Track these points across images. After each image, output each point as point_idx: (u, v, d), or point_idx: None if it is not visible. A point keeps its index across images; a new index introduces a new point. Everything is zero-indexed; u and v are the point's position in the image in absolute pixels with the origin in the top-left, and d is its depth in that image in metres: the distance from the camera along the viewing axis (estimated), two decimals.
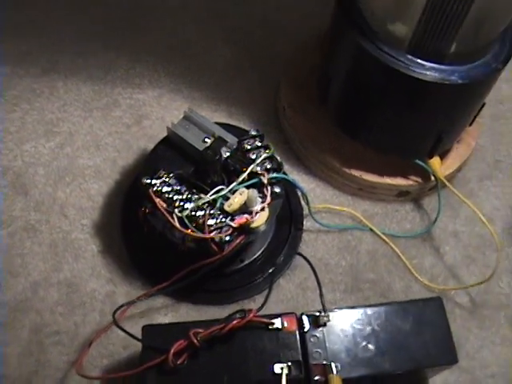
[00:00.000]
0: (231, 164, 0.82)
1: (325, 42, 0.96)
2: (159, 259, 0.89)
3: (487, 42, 0.83)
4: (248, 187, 0.80)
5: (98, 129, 1.05)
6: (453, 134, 0.95)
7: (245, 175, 0.81)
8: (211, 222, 0.78)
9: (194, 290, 0.88)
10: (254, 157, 0.83)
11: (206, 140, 0.84)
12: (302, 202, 0.95)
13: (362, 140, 0.96)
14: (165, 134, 0.87)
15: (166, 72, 1.13)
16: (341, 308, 0.77)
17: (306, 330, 0.74)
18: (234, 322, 0.71)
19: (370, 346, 0.74)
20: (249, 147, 0.84)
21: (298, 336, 0.74)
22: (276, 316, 0.75)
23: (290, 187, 0.93)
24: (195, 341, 0.70)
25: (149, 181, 0.81)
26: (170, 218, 0.78)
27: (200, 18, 1.22)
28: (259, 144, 0.85)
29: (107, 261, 0.91)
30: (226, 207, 0.78)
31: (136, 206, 0.82)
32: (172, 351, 0.69)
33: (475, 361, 0.88)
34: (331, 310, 0.76)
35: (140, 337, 0.73)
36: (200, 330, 0.71)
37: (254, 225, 0.78)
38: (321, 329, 0.74)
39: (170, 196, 0.80)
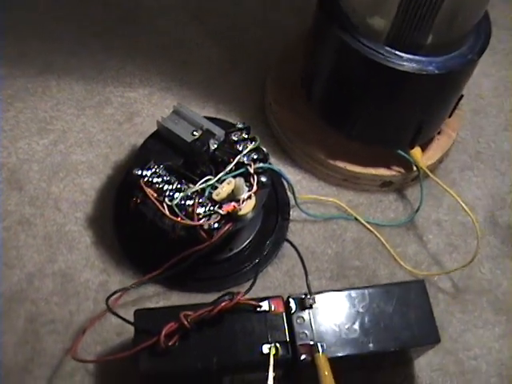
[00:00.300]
0: (219, 156, 0.85)
1: (308, 39, 0.99)
2: (150, 249, 0.92)
3: (462, 34, 0.86)
4: (235, 177, 0.82)
5: (91, 126, 1.07)
6: (432, 124, 0.98)
7: (232, 165, 0.83)
8: (200, 210, 0.80)
9: (185, 278, 0.90)
10: (240, 148, 0.86)
11: (195, 133, 0.87)
12: (289, 193, 0.98)
13: (346, 132, 0.98)
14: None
15: (157, 71, 1.16)
16: (326, 291, 0.79)
17: (292, 311, 0.76)
18: (223, 303, 0.74)
19: (355, 327, 0.76)
20: (236, 139, 0.87)
21: (284, 318, 0.76)
22: (263, 299, 0.77)
23: (276, 178, 0.97)
24: (185, 322, 0.72)
25: (140, 172, 0.83)
26: (160, 207, 0.80)
27: (190, 18, 1.25)
28: (246, 136, 0.88)
29: (100, 252, 0.94)
30: (214, 196, 0.81)
31: (127, 199, 0.84)
32: (163, 333, 0.71)
33: (458, 343, 0.91)
34: (317, 293, 0.78)
35: (132, 322, 0.76)
36: (190, 313, 0.73)
37: (241, 212, 0.80)
38: (307, 311, 0.77)
39: (160, 186, 0.82)
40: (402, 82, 0.87)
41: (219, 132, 0.88)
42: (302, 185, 1.03)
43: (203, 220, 0.80)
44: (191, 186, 0.83)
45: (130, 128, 1.08)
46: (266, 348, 0.74)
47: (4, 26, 1.18)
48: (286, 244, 0.95)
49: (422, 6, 0.78)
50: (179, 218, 0.80)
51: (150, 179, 0.83)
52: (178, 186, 0.83)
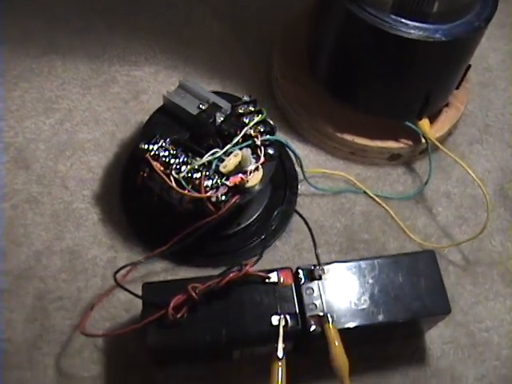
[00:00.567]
0: (225, 129, 0.85)
1: (313, 10, 0.99)
2: (158, 224, 0.91)
3: (469, 1, 0.85)
4: (242, 149, 0.82)
5: (97, 105, 1.07)
6: (440, 94, 0.97)
7: (239, 137, 0.83)
8: (207, 182, 0.80)
9: (193, 253, 0.90)
10: (247, 120, 0.85)
11: (201, 106, 0.87)
12: (297, 168, 0.97)
13: (353, 103, 0.98)
14: None
15: (162, 49, 1.15)
16: (335, 262, 0.79)
17: (301, 283, 0.76)
18: (231, 274, 0.73)
19: (365, 298, 0.76)
20: (242, 112, 0.87)
21: (294, 289, 0.76)
22: (272, 271, 0.77)
23: (284, 153, 0.96)
24: (193, 294, 0.72)
25: (146, 146, 0.83)
26: (167, 180, 0.80)
27: None
28: (252, 109, 0.87)
29: (108, 228, 0.93)
30: (221, 168, 0.80)
31: (134, 175, 0.84)
32: (171, 305, 0.71)
33: (469, 316, 0.90)
34: (326, 264, 0.78)
35: (140, 296, 0.75)
36: (198, 285, 0.72)
37: (248, 184, 0.80)
38: (316, 282, 0.76)
39: (167, 160, 0.82)
40: (408, 50, 0.86)
41: (225, 105, 0.87)
42: (309, 159, 1.02)
43: (210, 192, 0.79)
44: (198, 159, 0.82)
45: (136, 106, 1.07)
46: (275, 319, 0.73)
47: (7, 6, 1.18)
48: (294, 218, 0.95)
49: None
50: (186, 191, 0.79)
51: (157, 153, 0.82)
52: (185, 159, 0.82)
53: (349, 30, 0.90)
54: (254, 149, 0.83)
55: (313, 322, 0.73)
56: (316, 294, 0.75)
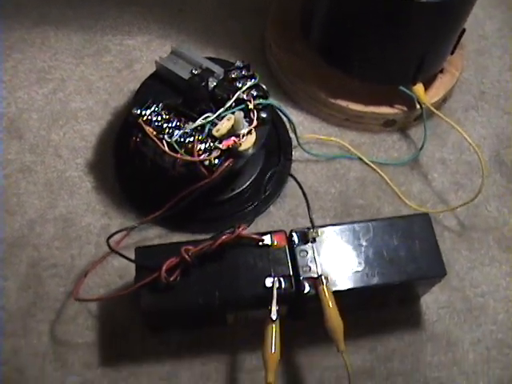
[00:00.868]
0: (218, 93, 0.84)
1: None
2: (151, 190, 0.91)
3: None
4: (235, 113, 0.81)
5: (90, 74, 1.06)
6: (435, 58, 0.96)
7: (232, 101, 0.82)
8: (200, 146, 0.79)
9: (186, 219, 0.90)
10: (240, 85, 0.85)
11: (194, 71, 0.86)
12: (291, 134, 0.97)
13: (347, 69, 0.97)
14: None
15: (155, 19, 1.14)
16: (329, 225, 0.79)
17: (295, 245, 0.76)
18: (224, 237, 0.73)
19: (360, 260, 0.76)
20: (235, 76, 0.86)
21: (287, 251, 0.75)
22: (266, 233, 0.76)
23: (278, 119, 0.96)
24: (186, 257, 0.71)
25: (139, 111, 0.82)
26: (160, 144, 0.80)
27: None
28: (245, 73, 0.87)
29: (101, 196, 0.93)
30: (214, 132, 0.80)
31: (127, 142, 0.84)
32: (164, 268, 0.71)
33: (465, 281, 0.90)
34: (320, 227, 0.77)
35: (133, 259, 0.75)
36: (191, 247, 0.72)
37: (241, 148, 0.79)
38: (310, 244, 0.76)
39: (160, 124, 0.82)
40: (401, 12, 0.85)
41: (218, 70, 0.87)
42: (304, 126, 1.02)
43: (203, 156, 0.79)
44: (191, 123, 0.82)
45: (129, 74, 1.06)
46: (268, 281, 0.73)
47: None
48: (288, 184, 0.95)
49: None
50: (179, 155, 0.79)
51: (149, 118, 0.82)
52: (178, 123, 0.82)
53: None
54: (247, 112, 0.83)
55: (307, 284, 0.73)
56: (310, 256, 0.75)
